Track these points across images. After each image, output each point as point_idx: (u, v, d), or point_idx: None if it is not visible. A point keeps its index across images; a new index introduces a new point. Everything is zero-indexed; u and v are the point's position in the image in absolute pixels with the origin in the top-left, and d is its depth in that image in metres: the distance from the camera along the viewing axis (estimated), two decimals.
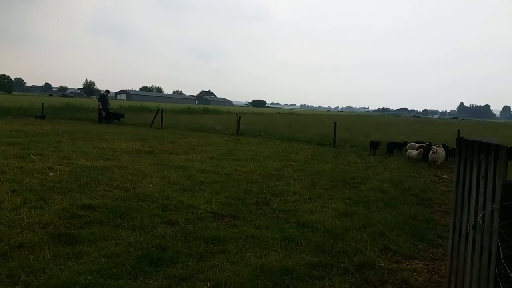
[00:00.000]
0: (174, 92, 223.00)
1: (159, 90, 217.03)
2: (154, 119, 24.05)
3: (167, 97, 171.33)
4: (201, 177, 9.15)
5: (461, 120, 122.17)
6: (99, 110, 25.06)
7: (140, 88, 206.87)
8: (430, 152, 13.69)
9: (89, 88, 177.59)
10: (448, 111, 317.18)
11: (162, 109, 24.79)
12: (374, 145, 16.13)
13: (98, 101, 25.59)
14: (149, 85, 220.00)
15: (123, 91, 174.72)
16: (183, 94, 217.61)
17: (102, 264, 4.36)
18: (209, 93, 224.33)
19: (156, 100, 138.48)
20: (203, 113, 46.97)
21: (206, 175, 9.38)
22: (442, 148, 14.08)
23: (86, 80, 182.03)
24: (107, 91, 26.63)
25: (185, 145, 15.18)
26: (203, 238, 5.28)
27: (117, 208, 6.31)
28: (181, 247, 4.95)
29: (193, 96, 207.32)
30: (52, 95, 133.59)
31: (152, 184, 8.22)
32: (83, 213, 6.04)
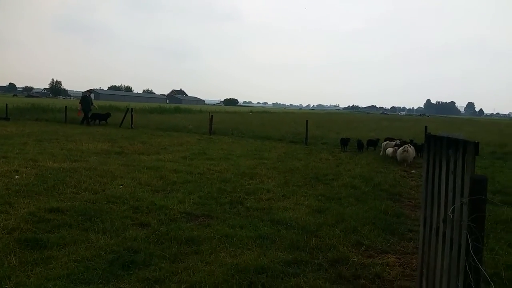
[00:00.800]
0: (144, 91, 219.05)
1: (128, 89, 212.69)
2: (123, 119, 23.56)
3: (137, 96, 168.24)
4: (173, 177, 9.02)
5: (428, 116, 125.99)
6: (84, 112, 23.79)
7: (108, 87, 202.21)
8: (400, 150, 13.07)
9: (55, 88, 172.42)
10: (415, 108, 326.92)
11: (131, 109, 24.31)
12: (345, 142, 16.42)
13: (79, 103, 24.33)
14: (118, 84, 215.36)
15: (91, 91, 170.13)
16: (154, 93, 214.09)
17: (72, 269, 4.22)
18: (181, 92, 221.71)
19: (126, 99, 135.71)
20: (174, 113, 46.39)
21: (179, 175, 9.25)
22: (412, 147, 13.44)
23: (53, 79, 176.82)
24: (90, 91, 25.68)
25: (157, 145, 14.94)
26: (177, 239, 5.19)
27: (87, 211, 6.13)
28: (153, 249, 4.85)
29: (164, 95, 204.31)
30: (16, 95, 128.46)
31: (122, 185, 8.03)
32: (51, 216, 5.84)
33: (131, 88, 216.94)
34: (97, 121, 24.25)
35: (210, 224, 5.91)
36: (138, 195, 7.30)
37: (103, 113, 25.25)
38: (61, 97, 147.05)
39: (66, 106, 27.13)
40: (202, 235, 5.39)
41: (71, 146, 13.32)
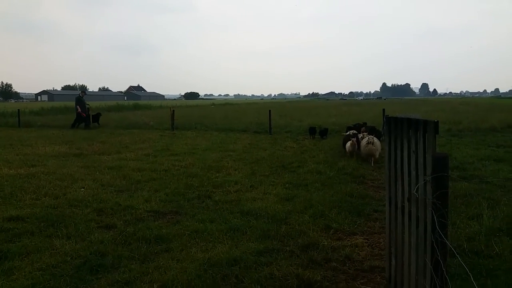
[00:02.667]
0: (100, 89, 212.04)
1: (83, 88, 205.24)
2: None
3: (93, 95, 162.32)
4: (137, 176, 8.80)
5: (384, 99, 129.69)
6: (79, 114, 21.87)
7: (62, 87, 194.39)
8: (364, 143, 10.42)
9: (5, 91, 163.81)
10: (372, 92, 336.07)
11: (88, 108, 23.44)
12: (313, 130, 16.50)
13: (76, 105, 22.30)
14: (72, 84, 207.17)
15: (44, 92, 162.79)
16: (110, 90, 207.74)
17: (37, 278, 4.03)
18: (139, 88, 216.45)
19: None
20: (133, 109, 45.25)
21: (143, 173, 9.04)
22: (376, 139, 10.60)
23: (2, 82, 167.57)
24: (83, 92, 23.75)
25: (117, 144, 14.53)
26: (145, 238, 5.08)
27: (48, 217, 5.88)
28: (121, 250, 4.72)
29: (121, 92, 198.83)
30: None
31: (83, 188, 7.76)
32: (10, 225, 5.55)
33: (86, 87, 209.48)
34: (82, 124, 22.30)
35: (179, 221, 5.82)
36: (101, 196, 7.07)
37: (94, 114, 23.34)
38: (13, 101, 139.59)
39: (18, 110, 25.82)
40: (172, 232, 5.30)
41: (27, 151, 12.71)
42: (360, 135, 11.52)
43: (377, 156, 10.25)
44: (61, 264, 4.35)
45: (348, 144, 11.03)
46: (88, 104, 23.07)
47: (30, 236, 5.21)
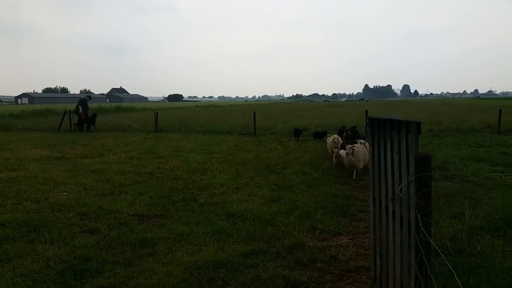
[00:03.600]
0: (81, 91, 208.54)
1: (64, 90, 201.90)
2: (61, 122, 22.22)
3: (75, 97, 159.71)
4: (120, 179, 8.69)
5: (367, 101, 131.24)
6: (82, 116, 21.11)
7: (43, 90, 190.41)
8: (344, 154, 9.11)
9: None
10: (355, 93, 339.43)
11: (69, 111, 23.01)
12: (297, 132, 16.52)
13: (78, 105, 21.42)
14: (53, 86, 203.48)
15: (24, 95, 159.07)
16: (92, 92, 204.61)
17: (19, 284, 3.95)
18: (121, 90, 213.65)
19: (62, 101, 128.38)
20: (116, 112, 44.63)
21: (127, 177, 8.93)
22: (362, 146, 9.32)
23: None
24: (89, 97, 22.75)
25: (100, 147, 14.32)
26: (130, 242, 5.01)
27: (30, 222, 5.76)
28: (106, 255, 4.65)
29: (103, 94, 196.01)
30: None
31: (66, 192, 7.62)
32: None
33: (67, 89, 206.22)
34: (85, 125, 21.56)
35: (164, 224, 5.76)
36: (84, 200, 6.96)
37: (89, 115, 22.19)
38: None
39: None
40: (157, 236, 5.25)
41: (7, 155, 12.41)
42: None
43: (361, 166, 8.99)
44: (43, 270, 4.27)
45: (334, 157, 9.79)
46: (88, 109, 22.17)
47: (11, 241, 5.09)
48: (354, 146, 8.99)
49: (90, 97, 23.06)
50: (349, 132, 12.31)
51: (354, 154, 8.75)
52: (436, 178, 7.57)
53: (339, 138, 11.20)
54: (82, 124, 21.48)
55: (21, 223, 5.71)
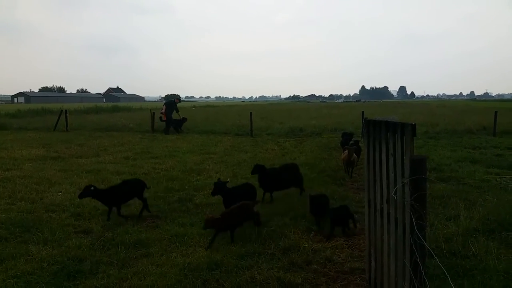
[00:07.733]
0: (78, 90, 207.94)
1: (61, 89, 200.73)
2: (57, 122, 22.16)
3: (71, 97, 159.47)
4: (116, 179, 8.64)
5: (363, 102, 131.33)
6: (168, 118, 20.01)
7: (40, 89, 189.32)
8: None
9: None
10: (351, 94, 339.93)
11: (66, 110, 22.94)
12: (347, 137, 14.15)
13: (164, 105, 20.57)
14: (49, 85, 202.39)
15: (21, 94, 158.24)
16: (89, 92, 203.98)
17: (12, 285, 3.93)
18: (118, 89, 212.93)
19: (59, 100, 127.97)
20: (112, 111, 44.44)
21: (122, 177, 8.86)
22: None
23: None
24: (178, 99, 21.84)
25: (95, 147, 14.26)
26: (124, 243, 4.99)
27: (24, 222, 5.74)
28: (100, 256, 4.63)
29: (100, 94, 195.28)
30: None
31: (61, 192, 7.58)
32: None
33: (63, 89, 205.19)
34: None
35: (159, 225, 5.74)
36: (79, 201, 6.89)
37: (180, 120, 20.99)
38: None
39: None
40: (151, 237, 5.23)
41: (2, 154, 12.34)
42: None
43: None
44: (37, 271, 4.24)
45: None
46: (178, 112, 21.03)
47: (4, 242, 5.07)
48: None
49: (179, 100, 22.22)
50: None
51: None
52: (431, 180, 7.58)
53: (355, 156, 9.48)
54: (168, 126, 20.14)
55: (14, 224, 5.68)
